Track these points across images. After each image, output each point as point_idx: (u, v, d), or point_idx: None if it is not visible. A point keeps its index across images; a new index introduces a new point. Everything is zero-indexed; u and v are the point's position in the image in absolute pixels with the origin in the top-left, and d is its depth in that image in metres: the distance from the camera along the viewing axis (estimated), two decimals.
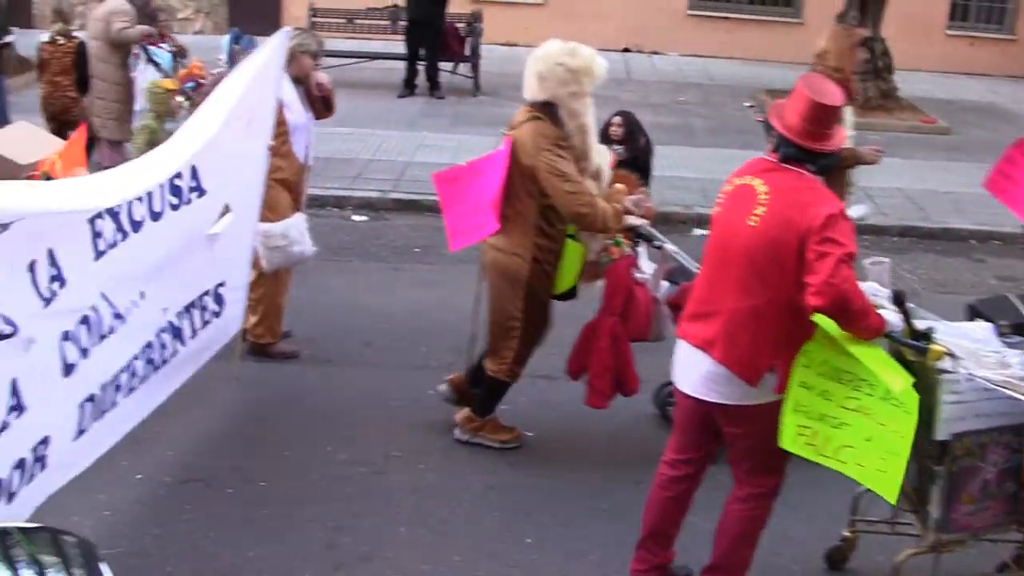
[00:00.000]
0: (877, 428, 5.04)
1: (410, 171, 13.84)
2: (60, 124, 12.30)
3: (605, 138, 10.99)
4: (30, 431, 4.82)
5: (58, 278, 4.84)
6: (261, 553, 6.14)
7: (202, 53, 14.87)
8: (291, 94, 7.99)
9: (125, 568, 5.59)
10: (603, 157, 6.97)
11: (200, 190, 6.16)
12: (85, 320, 5.16)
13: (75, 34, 12.83)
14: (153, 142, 9.92)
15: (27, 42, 14.97)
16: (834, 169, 5.83)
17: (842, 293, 4.94)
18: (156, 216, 5.69)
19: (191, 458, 7.05)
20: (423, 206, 12.50)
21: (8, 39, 14.22)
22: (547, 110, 6.75)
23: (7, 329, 4.46)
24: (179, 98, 12.88)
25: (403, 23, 19.09)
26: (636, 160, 9.30)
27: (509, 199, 6.83)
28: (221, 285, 6.84)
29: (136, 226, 5.49)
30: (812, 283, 4.96)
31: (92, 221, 5.10)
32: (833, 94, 5.25)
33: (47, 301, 4.76)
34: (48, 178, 7.12)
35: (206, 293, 6.63)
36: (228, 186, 6.58)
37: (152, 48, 13.31)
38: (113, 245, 5.26)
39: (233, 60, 13.61)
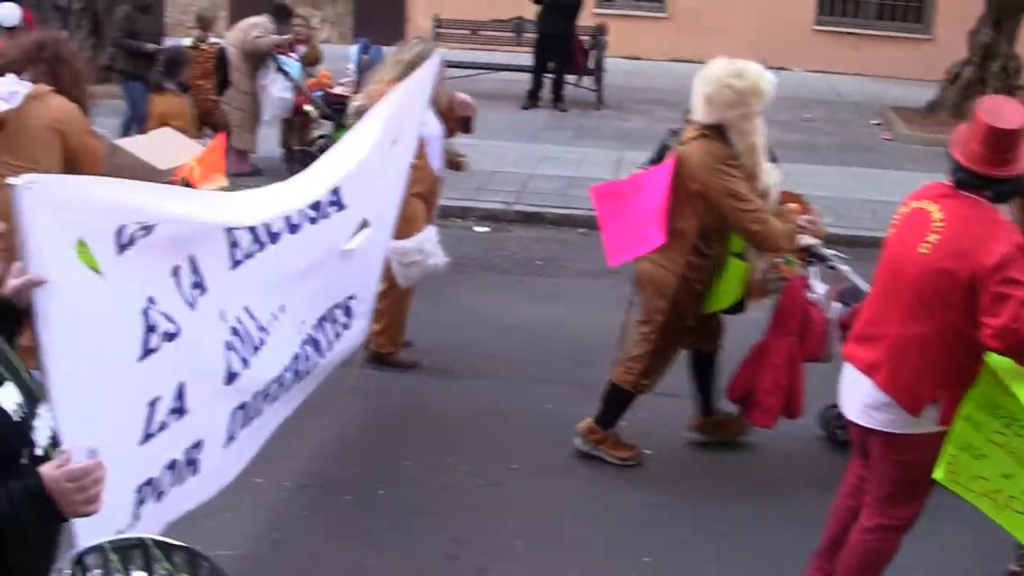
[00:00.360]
0: (1019, 469, 4.88)
1: (533, 183, 13.85)
2: (200, 126, 12.64)
3: None
4: (186, 434, 4.86)
5: (200, 285, 4.88)
6: (378, 562, 6.15)
7: (329, 62, 15.04)
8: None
9: (243, 571, 5.65)
10: (771, 177, 6.87)
11: (340, 205, 6.20)
12: (236, 332, 5.20)
13: (214, 40, 13.24)
14: None
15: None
16: (1016, 196, 5.58)
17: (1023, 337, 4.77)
18: (294, 228, 5.73)
19: (310, 464, 7.09)
20: (545, 219, 12.52)
21: (154, 46, 14.59)
22: (716, 129, 6.69)
23: (172, 327, 4.51)
24: (307, 107, 13.12)
25: (529, 35, 19.14)
26: None
27: (670, 215, 6.75)
28: (351, 298, 6.86)
29: (273, 237, 5.53)
30: (992, 326, 4.76)
31: (230, 231, 5.15)
32: (1011, 117, 4.95)
33: (191, 307, 4.79)
34: (186, 184, 7.24)
35: (337, 306, 6.67)
36: (368, 202, 6.61)
37: (282, 57, 13.59)
38: (249, 255, 5.29)
39: (361, 70, 13.80)
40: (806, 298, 6.98)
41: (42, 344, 3.84)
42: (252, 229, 5.32)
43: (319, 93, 13.65)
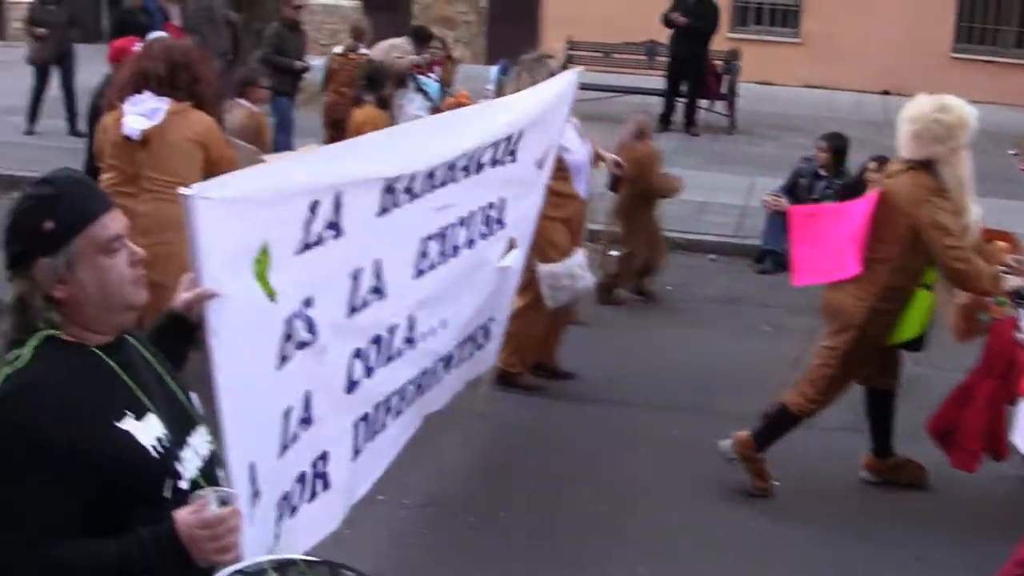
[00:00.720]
0: None
1: (663, 208, 13.75)
2: (341, 131, 12.87)
3: (861, 183, 10.76)
4: (312, 445, 4.82)
5: (379, 290, 4.90)
6: None
7: (463, 82, 15.12)
8: (569, 130, 7.94)
9: None
10: (974, 212, 6.76)
11: (502, 223, 6.24)
12: (377, 340, 5.18)
13: (363, 51, 13.58)
14: None
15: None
16: None
17: None
18: (470, 244, 5.81)
19: (432, 484, 7.09)
20: (675, 243, 12.41)
21: (305, 64, 14.91)
22: (923, 164, 6.64)
23: (307, 337, 4.47)
24: None
25: (662, 58, 19.08)
26: None
27: (868, 246, 6.68)
28: (492, 319, 6.87)
29: (455, 251, 5.61)
30: None
31: (424, 240, 5.22)
32: None
33: (354, 311, 4.78)
34: None
35: (481, 326, 6.68)
36: (517, 221, 6.64)
37: (421, 77, 13.78)
38: (433, 267, 5.36)
39: (501, 91, 13.89)
40: (1015, 339, 6.81)
41: (212, 360, 3.79)
42: (441, 240, 5.40)
43: None
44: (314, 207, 4.28)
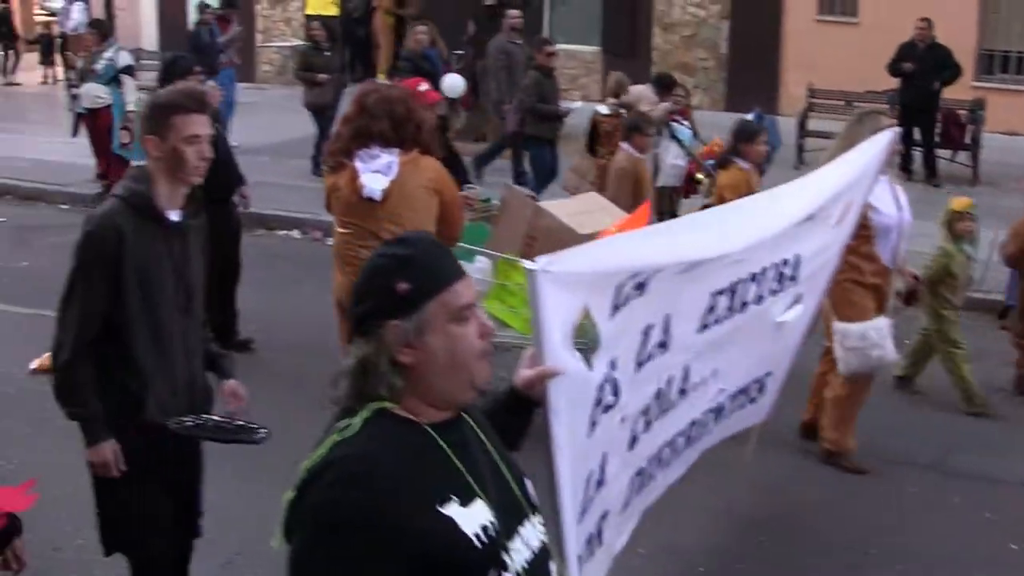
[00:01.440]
0: None
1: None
2: None
3: None
4: (600, 506, 4.71)
5: (664, 344, 4.82)
6: None
7: (705, 129, 15.12)
8: (883, 192, 7.80)
9: None
10: None
11: (794, 279, 6.16)
12: (659, 394, 5.08)
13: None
14: (948, 268, 9.91)
15: None
16: None
17: None
18: (759, 300, 5.72)
19: (668, 532, 7.02)
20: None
21: (568, 109, 15.24)
22: None
23: (612, 400, 4.24)
24: (699, 175, 13.30)
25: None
26: None
27: None
28: (768, 374, 6.68)
29: (743, 307, 5.52)
30: None
31: (714, 295, 5.17)
32: None
33: (639, 366, 4.69)
34: None
35: (756, 380, 6.51)
36: (808, 277, 6.59)
37: (675, 125, 13.85)
38: (717, 322, 5.28)
39: None
40: None
41: (552, 440, 3.67)
42: (732, 295, 5.33)
43: (711, 162, 13.77)
44: (635, 274, 4.25)
